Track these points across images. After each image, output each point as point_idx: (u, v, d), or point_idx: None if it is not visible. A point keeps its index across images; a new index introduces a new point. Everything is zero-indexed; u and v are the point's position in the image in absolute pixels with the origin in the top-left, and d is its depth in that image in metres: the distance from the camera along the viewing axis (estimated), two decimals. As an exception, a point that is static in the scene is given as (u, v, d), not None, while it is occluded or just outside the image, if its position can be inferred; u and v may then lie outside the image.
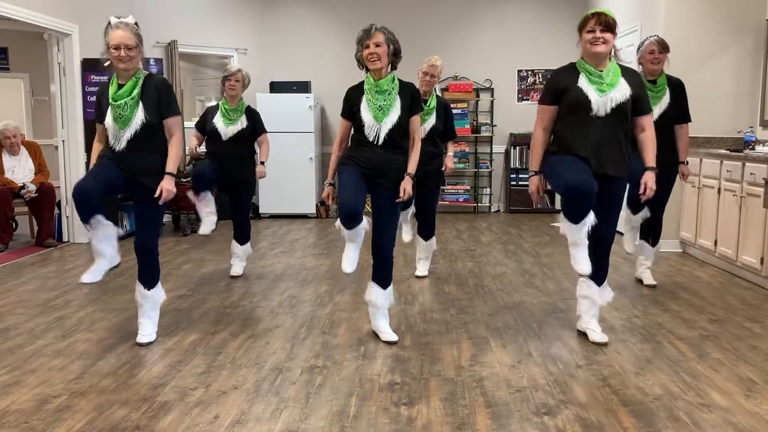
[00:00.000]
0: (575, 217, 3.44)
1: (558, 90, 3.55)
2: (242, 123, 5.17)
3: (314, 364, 3.37)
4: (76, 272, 5.47)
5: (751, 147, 5.67)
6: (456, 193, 9.24)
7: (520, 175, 9.15)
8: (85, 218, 3.46)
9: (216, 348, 3.61)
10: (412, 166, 3.69)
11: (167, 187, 3.57)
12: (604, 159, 3.49)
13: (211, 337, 3.79)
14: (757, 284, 4.98)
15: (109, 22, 3.53)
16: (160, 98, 3.58)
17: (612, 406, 2.86)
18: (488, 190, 9.37)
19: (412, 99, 3.64)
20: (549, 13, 9.14)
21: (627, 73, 3.55)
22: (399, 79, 3.66)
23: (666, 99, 4.65)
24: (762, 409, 2.83)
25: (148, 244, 3.68)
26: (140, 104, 3.53)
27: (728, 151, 5.48)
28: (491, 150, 9.32)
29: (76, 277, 5.31)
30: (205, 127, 5.23)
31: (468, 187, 9.28)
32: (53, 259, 6.07)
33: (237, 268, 5.40)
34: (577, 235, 3.47)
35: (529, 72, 9.25)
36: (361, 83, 3.66)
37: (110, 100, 3.52)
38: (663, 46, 4.64)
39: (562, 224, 3.53)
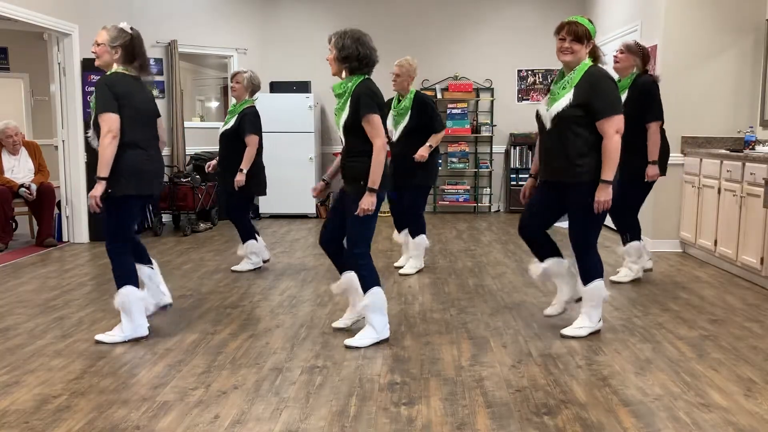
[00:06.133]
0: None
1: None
2: (230, 123, 5.21)
3: (314, 364, 3.37)
4: (76, 272, 5.47)
5: (751, 147, 5.67)
6: (456, 193, 9.24)
7: (520, 175, 9.15)
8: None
9: (216, 348, 3.62)
10: (371, 178, 3.48)
11: (92, 193, 3.52)
12: (551, 167, 3.70)
13: (211, 337, 3.79)
14: (757, 284, 4.98)
15: None
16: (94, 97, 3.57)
17: (612, 406, 2.86)
18: (488, 190, 9.37)
19: (357, 101, 3.50)
20: (549, 13, 9.14)
21: (587, 78, 3.56)
22: (360, 82, 3.55)
23: (623, 99, 4.71)
24: (762, 409, 2.83)
25: (106, 250, 3.71)
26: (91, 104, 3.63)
27: (728, 151, 5.48)
28: (491, 150, 9.32)
29: (76, 277, 5.31)
30: None
31: (468, 187, 9.28)
32: (53, 259, 6.07)
33: (241, 264, 5.52)
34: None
35: (529, 72, 9.25)
36: None
37: None
38: (627, 47, 4.76)
39: None
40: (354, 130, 3.55)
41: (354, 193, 3.56)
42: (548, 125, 3.65)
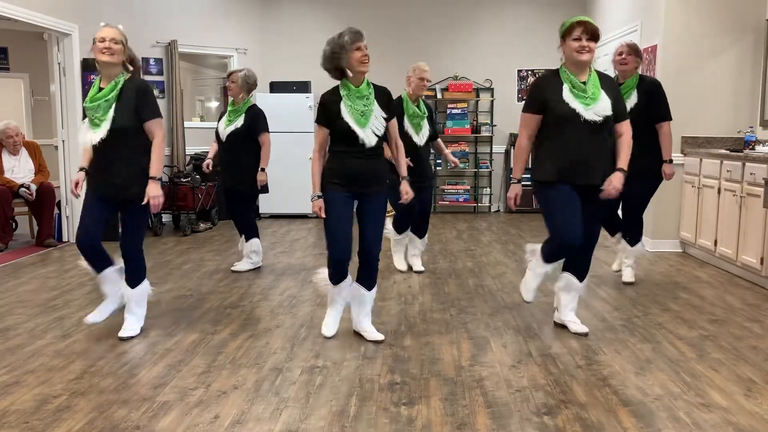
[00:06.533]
0: (550, 260, 3.75)
1: (543, 100, 3.59)
2: (238, 123, 5.19)
3: (314, 364, 3.37)
4: (76, 272, 5.47)
5: (751, 147, 5.67)
6: (456, 193, 9.24)
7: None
8: (98, 268, 3.73)
9: (216, 348, 3.62)
10: (404, 169, 3.76)
11: (153, 193, 3.58)
12: (592, 170, 3.57)
13: (211, 337, 3.79)
14: (757, 284, 4.98)
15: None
16: (138, 101, 3.56)
17: (612, 406, 2.86)
18: (488, 190, 9.38)
19: (389, 103, 3.64)
20: (549, 13, 9.14)
21: (604, 81, 3.61)
22: (373, 84, 3.64)
23: (632, 101, 4.70)
24: (762, 409, 2.83)
25: (130, 250, 3.73)
26: (113, 107, 3.53)
27: (728, 151, 5.48)
28: (491, 150, 9.32)
29: (76, 277, 5.31)
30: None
31: (468, 187, 9.28)
32: (53, 259, 6.07)
33: (241, 264, 5.51)
34: (542, 270, 3.80)
35: (529, 72, 9.25)
36: (336, 88, 3.58)
37: (87, 102, 3.57)
38: (632, 49, 4.74)
39: (534, 256, 3.83)
40: (383, 131, 3.64)
41: (383, 192, 3.68)
42: (592, 123, 3.49)
